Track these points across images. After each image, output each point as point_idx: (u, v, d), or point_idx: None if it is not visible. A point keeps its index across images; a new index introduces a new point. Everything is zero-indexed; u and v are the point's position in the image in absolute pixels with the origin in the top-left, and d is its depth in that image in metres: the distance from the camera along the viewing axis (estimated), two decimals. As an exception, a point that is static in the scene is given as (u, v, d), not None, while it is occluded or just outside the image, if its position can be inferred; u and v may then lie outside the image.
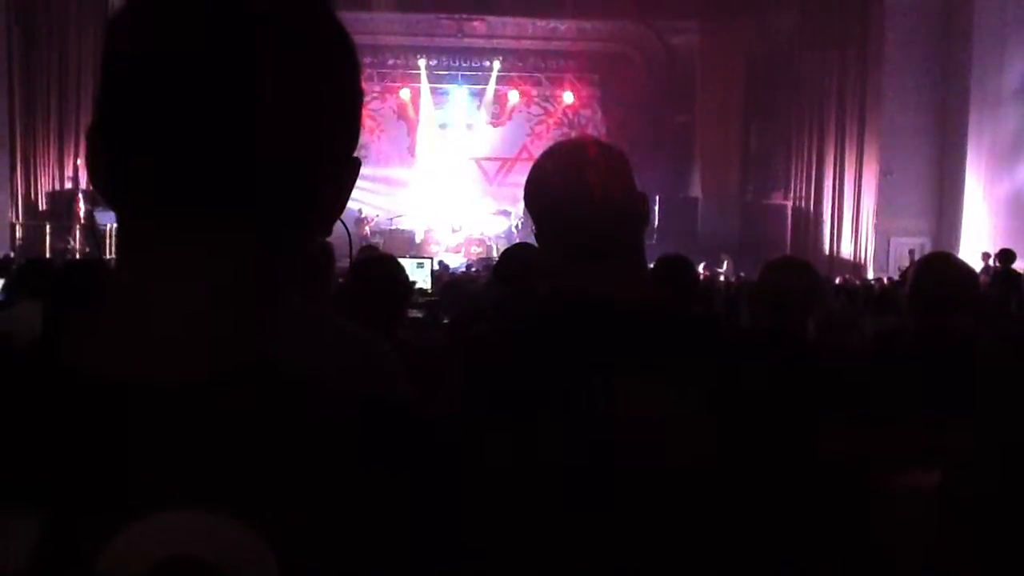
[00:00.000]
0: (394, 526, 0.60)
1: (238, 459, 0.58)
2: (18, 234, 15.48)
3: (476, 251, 18.58)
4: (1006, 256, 11.08)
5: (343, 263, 3.36)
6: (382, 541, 0.59)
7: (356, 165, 0.68)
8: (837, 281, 12.41)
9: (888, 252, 15.98)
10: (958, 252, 12.61)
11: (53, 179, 16.20)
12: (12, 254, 13.38)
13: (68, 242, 14.93)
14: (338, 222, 0.73)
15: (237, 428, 0.59)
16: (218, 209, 0.62)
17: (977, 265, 11.60)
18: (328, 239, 1.18)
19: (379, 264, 3.17)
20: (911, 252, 14.22)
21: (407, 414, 0.66)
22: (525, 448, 1.28)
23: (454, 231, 19.50)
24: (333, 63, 0.65)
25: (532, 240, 1.56)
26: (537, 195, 1.43)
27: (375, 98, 20.46)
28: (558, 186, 1.40)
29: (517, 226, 18.74)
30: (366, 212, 19.10)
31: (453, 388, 1.41)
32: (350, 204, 0.70)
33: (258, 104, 0.61)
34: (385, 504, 0.60)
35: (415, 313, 5.85)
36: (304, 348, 1.01)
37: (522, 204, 1.69)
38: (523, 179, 1.47)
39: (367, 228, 18.66)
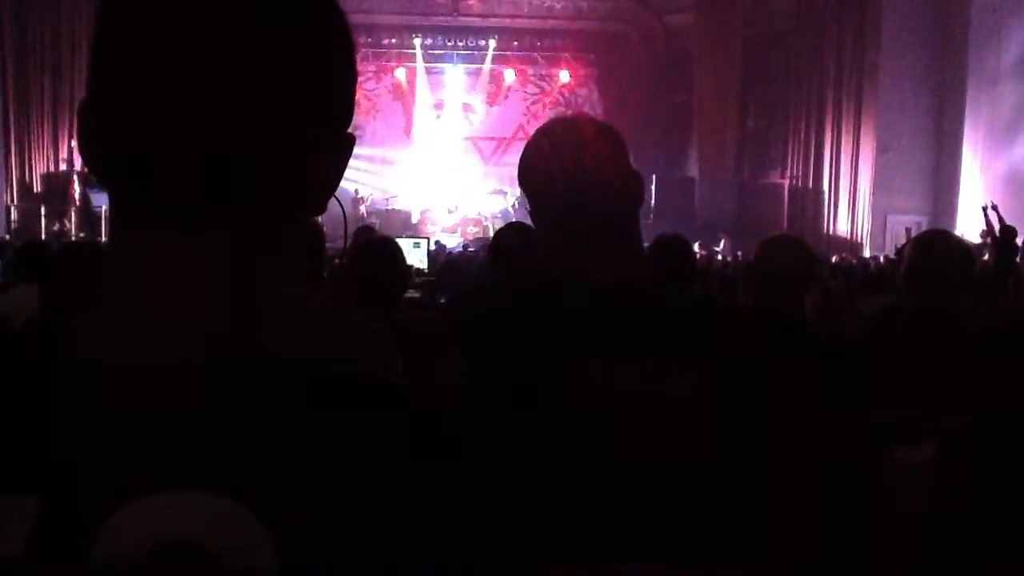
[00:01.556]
0: (391, 508, 0.60)
1: (234, 441, 0.58)
2: (13, 217, 15.44)
3: (473, 231, 18.56)
4: (1008, 233, 11.05)
5: (339, 243, 3.36)
6: (379, 523, 0.59)
7: (350, 142, 0.68)
8: (834, 260, 12.42)
9: (885, 230, 15.99)
10: (955, 230, 12.62)
11: (47, 161, 16.14)
12: (7, 237, 13.35)
13: (63, 224, 14.88)
14: (334, 202, 0.73)
15: (234, 410, 0.59)
16: (214, 188, 0.61)
17: (977, 237, 11.59)
18: (323, 219, 1.18)
19: (378, 247, 3.17)
20: (908, 230, 14.21)
21: (404, 397, 0.66)
22: (524, 431, 1.28)
23: (450, 212, 19.48)
24: (329, 41, 0.65)
25: (529, 220, 1.55)
26: (531, 174, 1.42)
27: (370, 78, 20.37)
28: (553, 165, 1.39)
29: (514, 205, 18.71)
30: (362, 192, 19.06)
31: (452, 371, 1.41)
32: (346, 184, 0.70)
33: (253, 82, 0.61)
34: (382, 486, 0.60)
35: (412, 293, 5.85)
36: (301, 330, 1.01)
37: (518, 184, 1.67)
38: (519, 159, 1.46)
39: (363, 208, 18.62)
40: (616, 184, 1.39)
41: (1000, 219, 11.24)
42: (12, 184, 15.67)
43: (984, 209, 11.74)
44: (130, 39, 0.61)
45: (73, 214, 15.07)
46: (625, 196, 1.40)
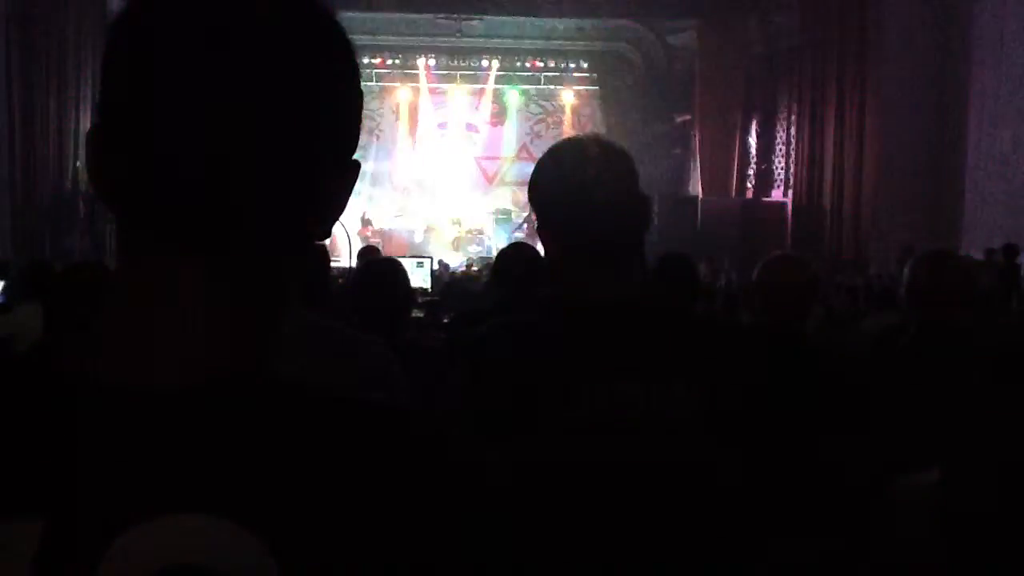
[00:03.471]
0: (392, 529, 0.60)
1: (237, 464, 0.58)
2: (18, 237, 15.46)
3: (476, 250, 18.59)
4: (1010, 251, 11.07)
5: (342, 263, 3.37)
6: (380, 543, 0.59)
7: (356, 167, 0.68)
8: (837, 278, 12.40)
9: (888, 249, 15.96)
10: (958, 248, 12.60)
11: (53, 181, 16.18)
12: (12, 256, 13.37)
13: (68, 245, 14.91)
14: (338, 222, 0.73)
15: (236, 433, 0.59)
16: (219, 213, 0.62)
17: (979, 255, 11.59)
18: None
19: (382, 268, 3.18)
20: (910, 249, 14.19)
21: (406, 418, 0.66)
22: (525, 451, 1.28)
23: (453, 223, 19.59)
24: (334, 66, 0.65)
25: (530, 240, 1.56)
26: (539, 194, 1.44)
27: (374, 98, 20.44)
28: (560, 186, 1.40)
29: (522, 225, 18.73)
30: (365, 213, 19.08)
31: (454, 390, 1.41)
32: (351, 204, 0.71)
33: (259, 108, 0.61)
34: (384, 507, 0.60)
35: (416, 313, 5.84)
36: (303, 353, 1.01)
37: (522, 202, 1.67)
38: (523, 179, 1.47)
39: (369, 230, 18.64)
40: (620, 206, 1.39)
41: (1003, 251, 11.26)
42: (18, 203, 15.70)
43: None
44: (136, 65, 0.62)
45: (78, 234, 15.10)
46: (629, 218, 1.41)
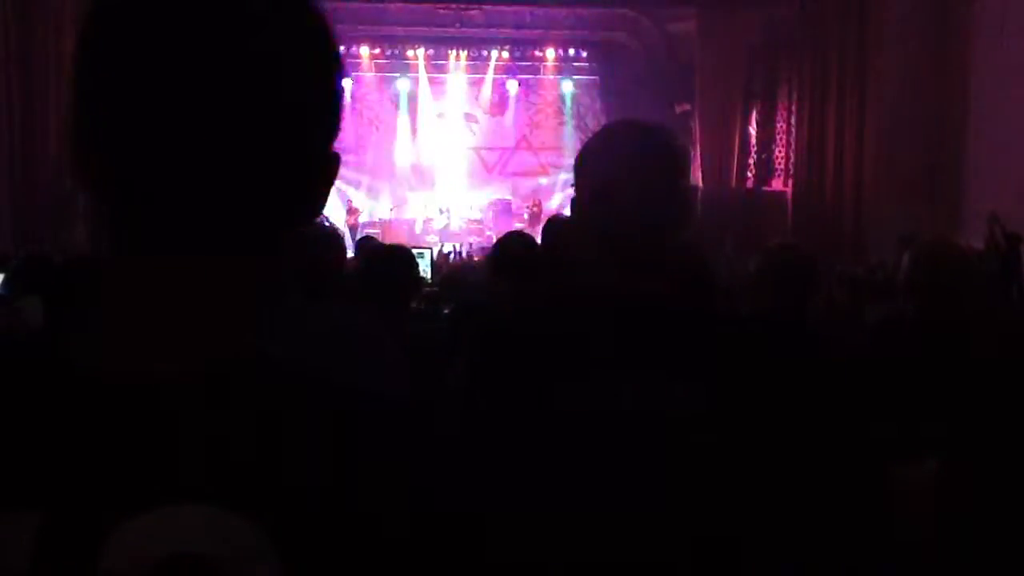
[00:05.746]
0: (394, 518, 0.60)
1: (238, 454, 0.59)
2: (17, 228, 15.45)
3: (475, 240, 18.60)
4: (1012, 240, 11.05)
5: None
6: (383, 533, 0.59)
7: (336, 159, 0.70)
8: (837, 268, 12.38)
9: (889, 239, 15.94)
10: (959, 238, 12.56)
11: (52, 173, 16.15)
12: (12, 249, 13.35)
13: (68, 237, 14.89)
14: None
15: (236, 423, 0.60)
16: (207, 206, 0.62)
17: (980, 244, 11.55)
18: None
19: (392, 254, 3.18)
20: (910, 237, 14.14)
21: (407, 407, 0.66)
22: (528, 439, 1.28)
23: (441, 212, 19.67)
24: (316, 59, 0.66)
25: (530, 230, 1.56)
26: (580, 164, 1.44)
27: (373, 89, 20.40)
28: (600, 164, 1.40)
29: (524, 216, 18.73)
30: (357, 203, 18.98)
31: (455, 381, 1.42)
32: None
33: (242, 102, 0.61)
34: (385, 496, 0.60)
35: (415, 304, 5.84)
36: (303, 343, 1.01)
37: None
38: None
39: (353, 217, 18.54)
40: (652, 202, 1.38)
41: (1002, 228, 11.23)
42: (17, 196, 15.69)
43: (990, 222, 11.72)
44: (112, 63, 0.62)
45: (78, 227, 15.08)
46: (658, 216, 1.39)
